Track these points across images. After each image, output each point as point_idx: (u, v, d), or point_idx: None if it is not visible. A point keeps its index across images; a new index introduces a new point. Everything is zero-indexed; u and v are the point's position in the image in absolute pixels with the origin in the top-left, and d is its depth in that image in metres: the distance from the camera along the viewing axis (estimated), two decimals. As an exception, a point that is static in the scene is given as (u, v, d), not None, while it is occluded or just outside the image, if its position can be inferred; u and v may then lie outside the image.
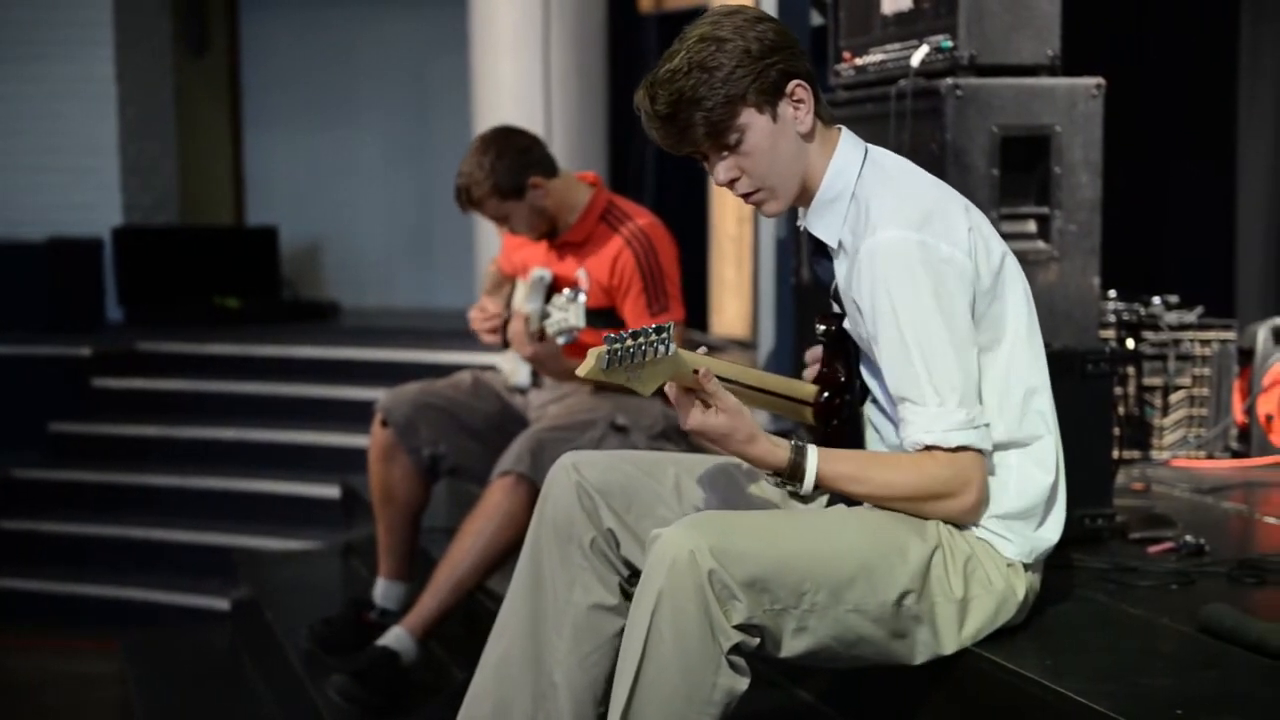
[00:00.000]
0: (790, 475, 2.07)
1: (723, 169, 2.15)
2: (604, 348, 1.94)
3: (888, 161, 2.18)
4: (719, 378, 2.11)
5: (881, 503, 2.09)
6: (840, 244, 2.15)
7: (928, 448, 2.02)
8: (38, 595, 5.96)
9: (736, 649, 1.96)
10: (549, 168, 3.46)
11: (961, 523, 2.08)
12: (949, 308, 2.02)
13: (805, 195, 2.18)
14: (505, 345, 3.56)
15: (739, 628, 1.95)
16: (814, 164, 2.16)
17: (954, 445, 2.01)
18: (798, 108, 2.12)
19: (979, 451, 2.03)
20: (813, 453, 2.07)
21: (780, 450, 2.07)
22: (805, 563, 1.99)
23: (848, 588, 2.01)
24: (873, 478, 2.07)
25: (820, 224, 2.16)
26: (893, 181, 2.12)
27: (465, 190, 3.40)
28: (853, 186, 2.13)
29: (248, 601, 4.52)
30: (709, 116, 2.08)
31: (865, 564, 2.02)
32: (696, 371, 2.08)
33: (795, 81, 2.11)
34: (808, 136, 2.14)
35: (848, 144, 2.17)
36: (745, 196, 2.18)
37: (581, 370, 1.96)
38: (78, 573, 6.00)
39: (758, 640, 1.98)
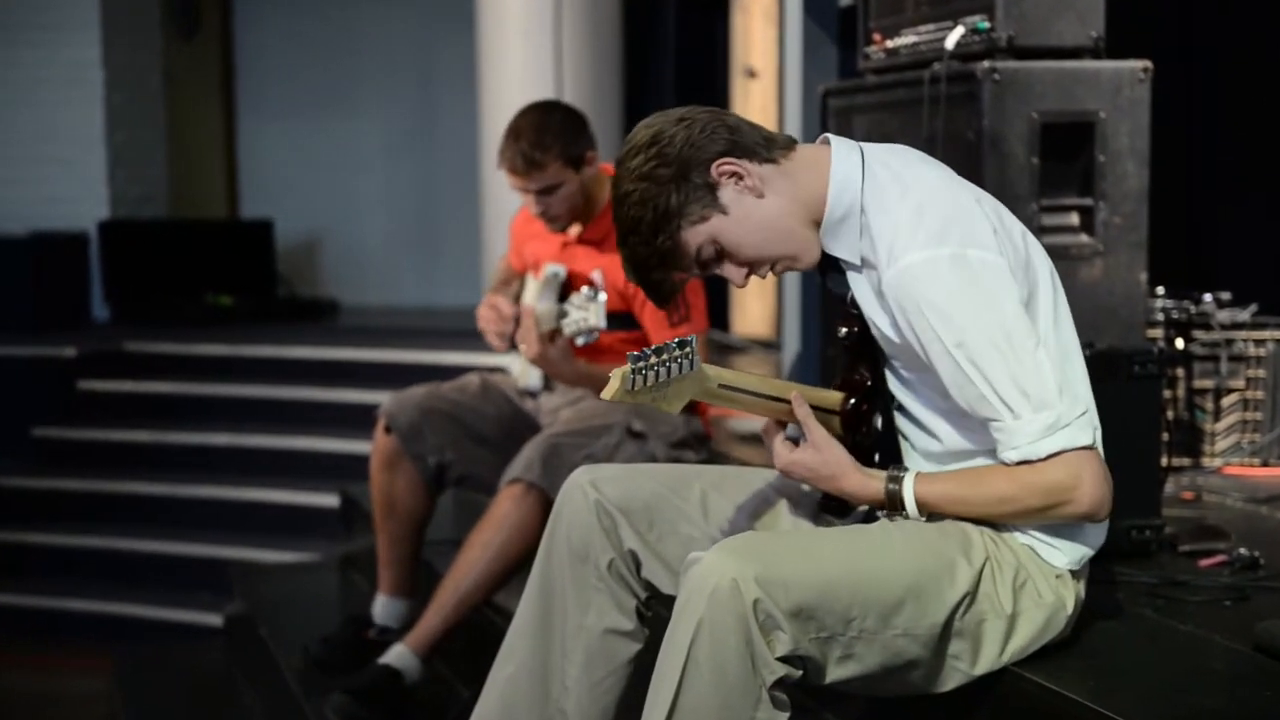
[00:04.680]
0: (890, 506, 2.10)
1: (731, 275, 2.17)
2: (627, 368, 1.96)
3: (889, 161, 2.15)
4: (733, 388, 2.12)
5: (995, 520, 2.10)
6: (862, 259, 2.14)
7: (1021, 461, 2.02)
8: (21, 610, 5.99)
9: (779, 683, 1.95)
10: (596, 147, 3.48)
11: (1093, 520, 2.07)
12: (997, 315, 2.00)
13: (818, 224, 2.16)
14: (513, 347, 3.56)
15: (782, 659, 1.94)
16: (808, 194, 2.13)
17: (1045, 454, 2.00)
18: (738, 181, 2.11)
19: (1080, 449, 2.01)
20: (909, 479, 2.09)
21: (875, 482, 2.10)
22: (852, 587, 1.99)
23: (896, 611, 2.01)
24: (976, 498, 2.08)
25: (837, 244, 2.15)
26: (899, 190, 2.09)
27: (526, 154, 3.33)
28: (860, 199, 2.12)
29: (242, 617, 4.53)
30: (665, 260, 2.12)
31: (914, 585, 2.02)
32: (786, 401, 2.13)
33: (715, 167, 2.10)
34: (771, 190, 2.12)
35: (841, 154, 2.15)
36: (774, 273, 2.20)
37: (606, 394, 1.97)
38: (63, 586, 6.02)
39: (801, 672, 1.98)
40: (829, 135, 2.20)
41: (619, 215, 2.14)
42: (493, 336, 3.49)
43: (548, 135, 3.35)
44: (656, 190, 2.09)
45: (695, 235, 2.12)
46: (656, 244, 2.11)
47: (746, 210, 2.12)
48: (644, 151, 2.10)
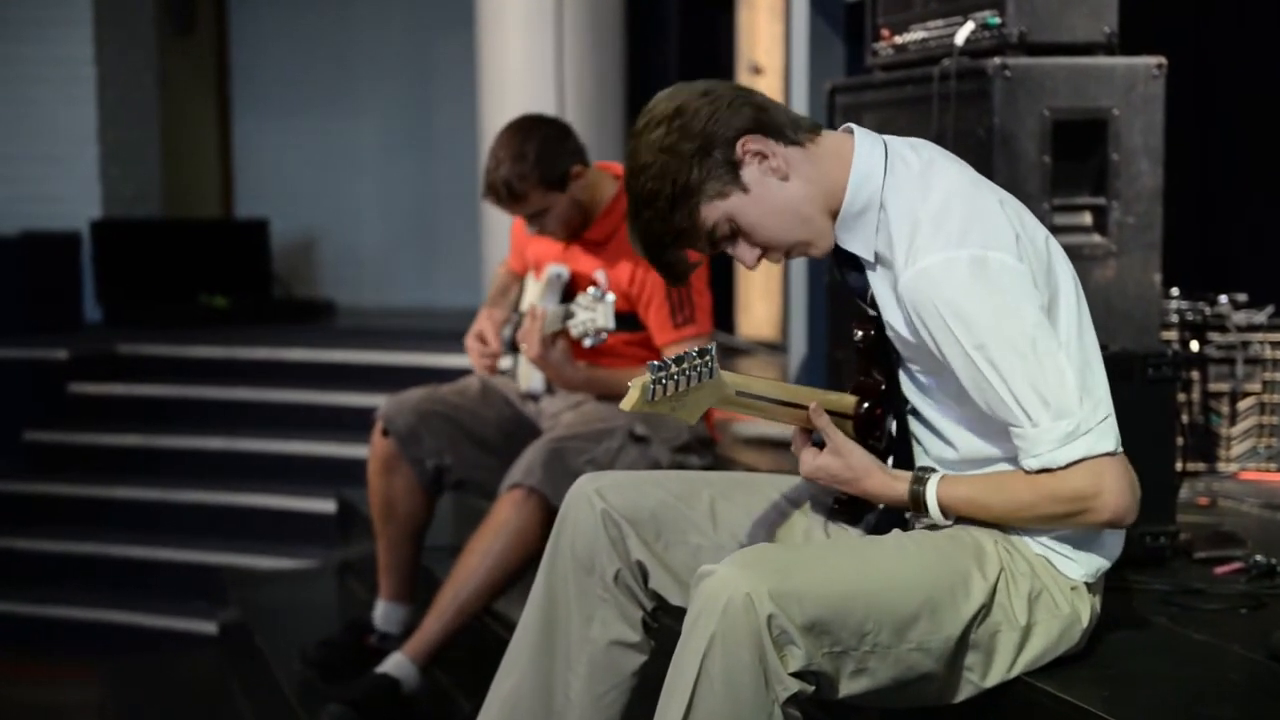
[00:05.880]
0: (914, 507, 2.12)
1: (743, 255, 2.16)
2: (647, 378, 1.94)
3: (911, 158, 2.14)
4: (750, 395, 2.11)
5: (1017, 525, 2.11)
6: (877, 255, 2.13)
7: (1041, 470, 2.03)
8: (10, 618, 5.97)
9: (792, 699, 1.95)
10: (585, 156, 3.46)
11: (1118, 526, 2.07)
12: (1017, 319, 2.00)
13: (835, 214, 2.16)
14: (514, 349, 3.56)
15: (795, 675, 1.94)
16: (830, 182, 2.13)
17: (1064, 463, 2.00)
18: (762, 161, 2.10)
19: (1102, 455, 2.01)
20: (933, 481, 2.10)
21: (899, 483, 2.12)
22: (867, 600, 1.98)
23: (911, 625, 2.01)
24: (998, 503, 2.08)
25: (852, 239, 2.15)
26: (921, 189, 2.09)
27: (506, 184, 3.33)
28: (880, 193, 2.11)
29: (237, 625, 4.53)
30: (680, 237, 2.12)
31: (929, 599, 2.02)
32: (801, 406, 2.13)
33: (741, 145, 2.09)
34: (796, 174, 2.11)
35: (865, 146, 2.14)
36: (787, 258, 2.19)
37: (625, 404, 1.95)
38: (54, 593, 6.01)
39: (813, 687, 1.97)
40: (852, 125, 2.19)
41: (632, 187, 2.11)
42: (479, 368, 3.53)
43: (524, 164, 3.32)
44: (678, 165, 2.07)
45: (712, 212, 2.11)
46: (673, 220, 2.10)
47: (769, 192, 2.11)
48: (666, 124, 2.08)
